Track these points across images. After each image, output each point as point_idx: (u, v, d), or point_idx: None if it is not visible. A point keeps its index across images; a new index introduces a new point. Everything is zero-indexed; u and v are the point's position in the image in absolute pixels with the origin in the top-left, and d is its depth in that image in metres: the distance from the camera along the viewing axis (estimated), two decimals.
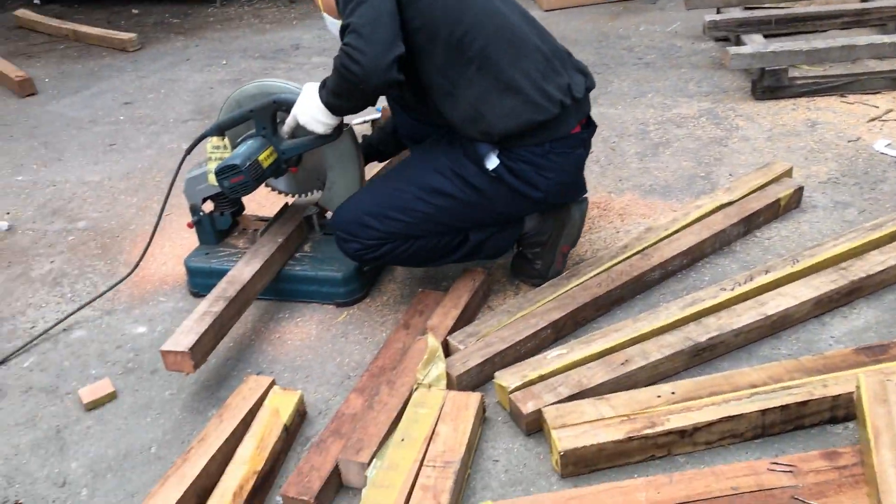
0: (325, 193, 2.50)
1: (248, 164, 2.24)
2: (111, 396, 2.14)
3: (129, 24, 5.60)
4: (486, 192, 2.09)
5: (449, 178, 2.09)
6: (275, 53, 4.68)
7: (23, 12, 5.75)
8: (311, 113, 2.10)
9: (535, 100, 2.00)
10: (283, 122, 2.32)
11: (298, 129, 2.26)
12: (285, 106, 2.23)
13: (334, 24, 2.22)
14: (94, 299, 2.49)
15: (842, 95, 3.34)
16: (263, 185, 2.56)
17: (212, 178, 2.37)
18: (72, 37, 5.31)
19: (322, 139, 2.24)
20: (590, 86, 2.14)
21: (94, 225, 3.01)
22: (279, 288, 2.42)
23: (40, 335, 2.39)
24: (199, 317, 2.09)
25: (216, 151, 2.35)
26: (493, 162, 2.05)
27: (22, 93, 4.37)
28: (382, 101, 3.59)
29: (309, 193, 2.60)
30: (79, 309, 2.46)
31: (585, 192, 2.25)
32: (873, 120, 3.13)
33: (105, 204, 3.16)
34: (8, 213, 3.15)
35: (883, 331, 2.08)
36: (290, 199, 2.69)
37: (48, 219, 3.08)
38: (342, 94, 1.99)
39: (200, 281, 2.50)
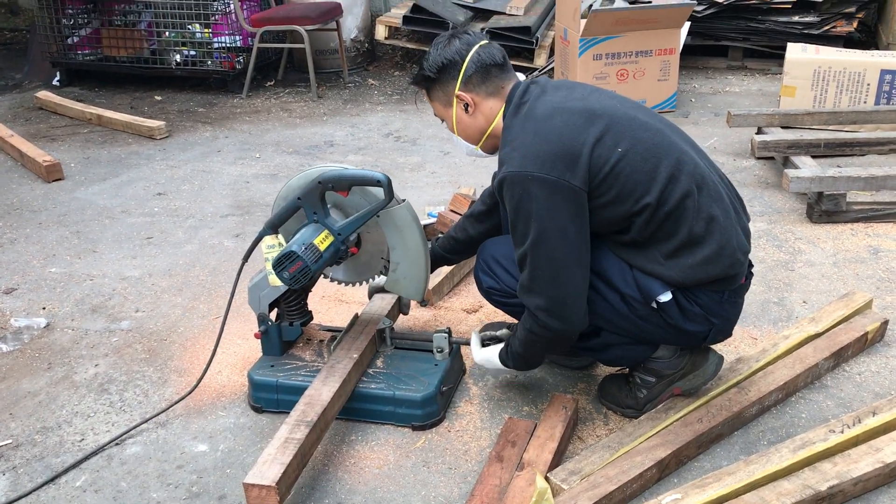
0: (390, 276, 2.37)
1: (303, 248, 2.17)
2: None
3: (152, 110, 5.55)
4: (640, 313, 2.00)
5: (609, 286, 2.00)
6: (308, 149, 4.63)
7: (44, 94, 5.68)
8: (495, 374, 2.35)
9: (731, 250, 1.94)
10: (332, 204, 2.27)
11: (348, 205, 2.27)
12: (331, 182, 2.18)
13: (471, 149, 2.20)
14: (156, 415, 2.34)
15: None
16: (328, 279, 2.48)
17: (272, 279, 2.27)
18: (95, 121, 5.24)
19: (375, 209, 2.22)
20: (749, 220, 2.09)
21: (138, 325, 2.86)
22: (350, 407, 2.28)
23: (95, 452, 2.21)
24: (281, 444, 1.94)
25: (271, 251, 2.25)
26: (665, 297, 1.96)
27: (49, 178, 4.26)
28: (438, 208, 3.54)
29: (372, 279, 2.48)
30: (140, 424, 2.30)
31: (730, 336, 2.15)
32: None
33: (148, 303, 3.02)
34: (44, 309, 3.00)
35: None
36: (359, 311, 2.57)
37: (88, 317, 2.93)
38: (536, 352, 2.11)
39: (265, 396, 2.35)
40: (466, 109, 2.10)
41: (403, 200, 2.27)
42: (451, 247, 2.57)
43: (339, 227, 2.25)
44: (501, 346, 2.20)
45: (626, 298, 2.00)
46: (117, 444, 2.26)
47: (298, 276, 2.19)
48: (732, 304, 2.04)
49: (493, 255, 2.21)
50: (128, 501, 2.05)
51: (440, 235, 2.93)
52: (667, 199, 1.90)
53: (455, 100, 2.09)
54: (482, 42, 2.08)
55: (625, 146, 1.90)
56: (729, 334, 2.12)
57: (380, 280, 2.50)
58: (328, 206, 2.26)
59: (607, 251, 2.03)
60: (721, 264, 1.93)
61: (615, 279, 2.00)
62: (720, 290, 1.99)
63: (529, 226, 1.89)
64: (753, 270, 2.96)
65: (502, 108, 2.07)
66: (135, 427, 2.30)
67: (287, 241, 2.26)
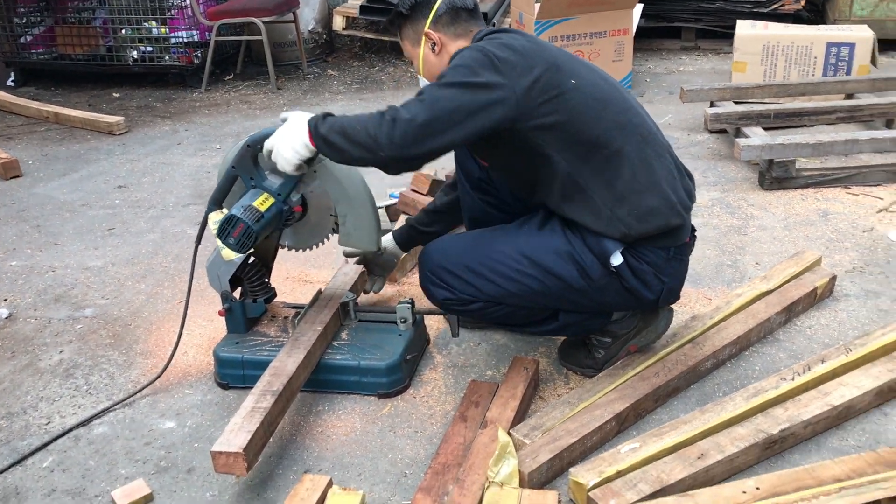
0: (341, 230, 2.36)
1: (243, 210, 2.18)
2: (147, 499, 1.98)
3: (111, 107, 5.51)
4: (599, 283, 2.03)
5: (564, 261, 2.03)
6: None
7: None
8: (290, 143, 1.99)
9: (672, 202, 1.98)
10: (270, 170, 2.25)
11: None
12: (259, 144, 2.16)
13: None
14: (125, 399, 2.35)
15: (845, 187, 3.43)
16: (284, 248, 2.49)
17: (225, 252, 2.28)
18: (53, 119, 5.19)
19: (308, 163, 2.12)
20: (695, 188, 2.14)
21: (102, 312, 2.86)
22: (316, 378, 2.31)
23: (62, 434, 2.22)
24: (247, 413, 1.96)
25: (217, 225, 2.25)
26: (617, 259, 1.99)
27: (6, 175, 4.22)
28: (400, 188, 3.57)
29: (326, 240, 2.47)
30: (110, 408, 2.31)
31: (679, 298, 2.20)
32: (881, 211, 3.21)
33: (111, 290, 3.02)
34: (5, 300, 2.98)
35: None
36: (322, 287, 2.60)
37: (51, 306, 2.92)
38: (351, 137, 1.87)
39: (231, 371, 2.37)
40: (434, 49, 2.13)
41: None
42: (425, 219, 2.60)
43: (277, 188, 2.25)
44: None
45: (585, 270, 2.03)
46: (84, 425, 2.27)
47: (243, 238, 2.18)
48: (679, 261, 2.09)
49: (439, 264, 2.14)
50: (96, 479, 2.07)
51: (405, 216, 2.96)
52: (610, 140, 1.94)
53: (423, 38, 2.14)
54: None
55: (579, 82, 1.95)
56: (677, 295, 2.17)
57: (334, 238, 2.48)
58: (265, 171, 2.26)
59: (551, 230, 2.06)
60: (665, 214, 1.98)
61: (575, 252, 2.03)
62: (665, 247, 2.03)
63: (455, 75, 1.88)
64: (708, 235, 3.07)
65: None
66: (104, 411, 2.31)
67: None
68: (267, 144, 2.08)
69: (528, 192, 2.14)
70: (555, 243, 2.05)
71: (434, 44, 2.13)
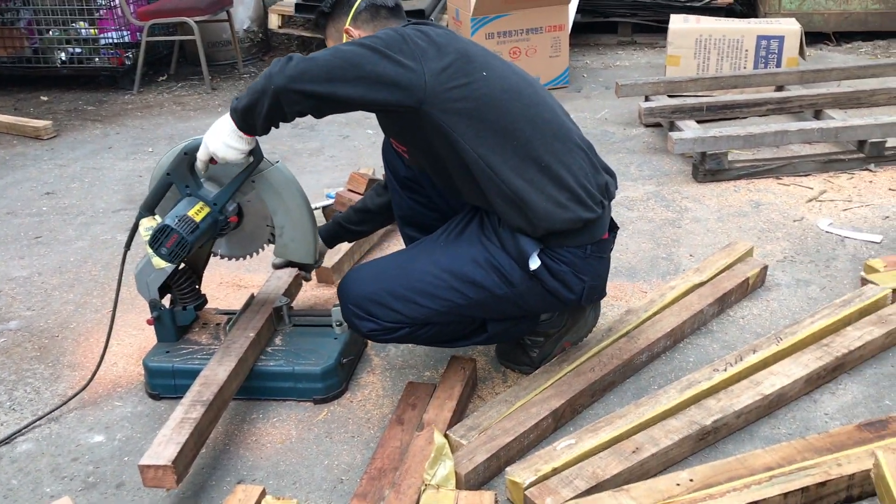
0: (277, 242, 2.33)
1: (177, 220, 2.13)
2: None
3: (39, 111, 5.34)
4: (520, 288, 2.01)
5: (485, 270, 2.00)
6: None
7: None
8: (220, 137, 1.97)
9: (581, 197, 1.96)
10: (206, 178, 2.22)
11: (220, 174, 2.19)
12: (196, 151, 2.11)
13: None
14: (49, 412, 2.26)
15: (777, 178, 3.49)
16: (217, 256, 2.45)
17: (155, 261, 2.22)
18: None
19: (245, 171, 2.14)
20: (617, 188, 2.13)
21: (27, 324, 2.76)
22: (250, 386, 2.26)
23: None
24: (176, 425, 1.91)
25: (149, 233, 2.19)
26: (535, 262, 1.97)
27: None
28: (336, 189, 3.53)
29: (261, 250, 2.43)
30: (36, 421, 2.23)
31: (605, 294, 2.20)
32: (811, 200, 3.27)
33: (37, 301, 2.91)
34: None
35: (872, 405, 2.11)
36: (255, 291, 2.55)
37: None
38: (253, 88, 1.85)
39: (161, 382, 2.31)
40: None
41: (277, 161, 2.25)
42: (355, 218, 2.58)
43: (213, 197, 2.21)
44: None
45: (505, 276, 2.00)
46: (7, 443, 2.18)
47: (176, 249, 2.14)
48: (598, 258, 2.07)
49: (360, 294, 2.07)
50: (20, 499, 1.99)
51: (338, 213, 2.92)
52: (518, 132, 1.93)
53: (344, 35, 2.14)
54: None
55: (490, 74, 1.94)
56: (602, 293, 2.16)
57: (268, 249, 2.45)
58: (201, 179, 2.22)
59: (477, 238, 2.04)
60: (573, 209, 1.95)
61: (493, 258, 2.01)
62: (582, 245, 2.01)
63: (355, 41, 1.88)
64: (644, 229, 3.10)
65: None
66: (28, 426, 2.23)
67: None
68: (207, 147, 2.01)
69: (445, 183, 2.13)
70: (472, 252, 2.03)
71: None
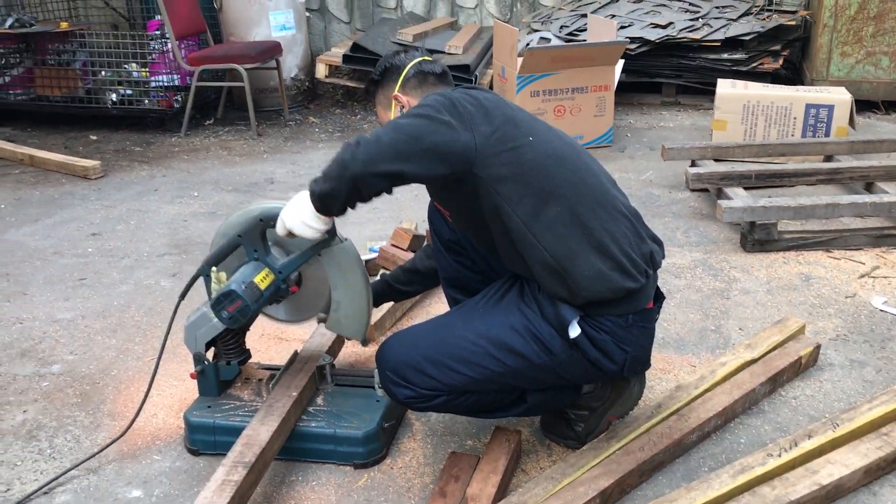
0: (331, 316, 2.33)
1: (244, 287, 2.14)
2: None
3: (87, 150, 5.44)
4: (560, 357, 1.98)
5: (524, 338, 1.97)
6: (248, 187, 4.58)
7: None
8: (299, 215, 1.97)
9: (624, 266, 1.93)
10: (273, 241, 2.24)
11: (289, 243, 2.20)
12: (272, 220, 2.12)
13: None
14: (86, 460, 2.25)
15: (827, 251, 3.43)
16: (267, 318, 2.45)
17: (212, 316, 2.23)
18: (28, 162, 5.11)
19: (316, 247, 2.15)
20: (664, 256, 2.10)
21: (70, 369, 2.77)
22: (290, 446, 2.23)
23: (21, 502, 2.11)
24: (217, 486, 1.88)
25: (215, 295, 2.20)
26: (575, 330, 1.94)
27: None
28: (379, 243, 3.52)
29: (310, 319, 2.43)
30: (69, 470, 2.21)
31: (650, 366, 2.15)
32: (863, 276, 3.20)
33: (80, 345, 2.92)
34: None
35: None
36: (299, 348, 2.53)
37: (17, 361, 2.82)
38: (328, 174, 1.87)
39: (201, 437, 2.29)
40: (402, 112, 2.13)
41: (346, 239, 2.25)
42: (403, 278, 2.59)
43: (280, 266, 2.22)
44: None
45: (545, 344, 1.97)
46: (45, 492, 2.17)
47: (237, 315, 2.15)
48: (640, 329, 2.02)
49: (398, 360, 2.05)
50: None
51: (384, 271, 2.92)
52: (562, 197, 1.91)
53: (393, 101, 2.18)
54: (425, 56, 2.23)
55: (536, 139, 1.95)
56: (646, 364, 2.11)
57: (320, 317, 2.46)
58: (269, 243, 2.24)
59: (515, 305, 2.01)
60: (614, 280, 1.91)
61: (532, 325, 1.98)
62: (623, 315, 1.98)
63: (410, 112, 1.89)
64: (692, 298, 3.04)
65: None
66: (64, 473, 2.21)
67: (227, 278, 2.22)
68: (284, 222, 2.01)
69: (488, 247, 2.11)
70: (511, 319, 1.99)
71: (402, 107, 2.16)
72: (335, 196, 1.87)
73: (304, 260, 2.23)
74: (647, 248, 2.03)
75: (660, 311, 2.13)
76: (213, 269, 2.23)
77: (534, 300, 2.00)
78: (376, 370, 2.30)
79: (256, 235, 2.20)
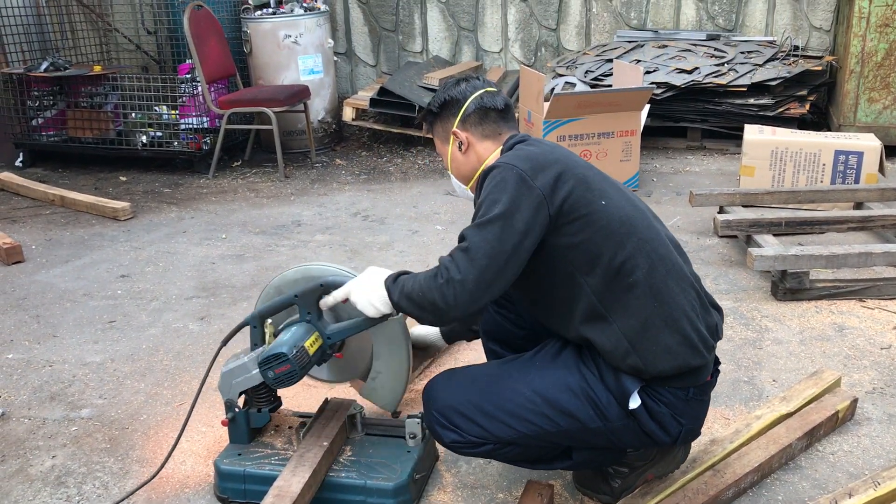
0: (367, 384, 2.36)
1: (294, 351, 2.14)
2: None
3: (117, 191, 5.51)
4: (615, 424, 1.95)
5: (580, 400, 1.94)
6: (276, 229, 4.61)
7: (6, 175, 5.63)
8: (368, 297, 1.99)
9: (693, 342, 1.90)
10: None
11: (340, 309, 2.19)
12: (332, 288, 2.14)
13: (462, 189, 2.19)
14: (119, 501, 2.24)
15: (860, 300, 3.39)
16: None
17: (253, 368, 2.24)
18: (59, 203, 5.19)
19: (370, 322, 2.13)
20: (723, 321, 2.07)
21: (99, 413, 2.77)
22: (320, 497, 2.20)
23: None
24: None
25: (264, 355, 2.21)
26: (636, 401, 1.90)
27: (8, 260, 4.18)
28: None
29: (345, 382, 2.46)
30: None
31: (699, 435, 2.11)
32: None
33: (109, 389, 2.93)
34: (0, 397, 2.89)
35: None
36: (329, 395, 2.52)
37: (46, 405, 2.83)
38: (420, 306, 1.89)
39: (231, 486, 2.27)
40: (461, 148, 2.11)
41: (399, 314, 2.22)
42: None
43: (330, 332, 2.22)
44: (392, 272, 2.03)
45: (602, 410, 1.94)
46: None
47: (284, 378, 2.16)
48: (699, 402, 1.99)
49: (447, 403, 2.03)
50: None
51: None
52: (634, 268, 1.88)
53: (451, 137, 2.13)
54: (488, 88, 2.14)
55: (608, 203, 1.90)
56: (697, 435, 2.08)
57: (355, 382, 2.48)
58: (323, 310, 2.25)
59: (575, 366, 1.98)
60: (684, 354, 1.89)
61: (591, 389, 1.95)
62: (685, 388, 1.95)
63: (492, 209, 1.84)
64: (724, 348, 3.01)
65: (497, 150, 2.08)
66: None
67: (274, 330, 2.26)
68: (350, 294, 2.05)
69: (545, 313, 2.07)
70: (569, 379, 1.96)
71: (461, 143, 2.11)
72: (418, 314, 1.92)
73: (356, 332, 2.22)
74: (712, 319, 1.99)
75: (716, 382, 2.09)
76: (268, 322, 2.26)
77: (593, 361, 1.96)
78: (407, 420, 2.29)
79: (313, 300, 2.20)
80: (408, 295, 1.91)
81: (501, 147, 2.09)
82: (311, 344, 2.19)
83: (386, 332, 2.28)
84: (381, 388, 2.34)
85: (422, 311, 1.90)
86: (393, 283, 1.96)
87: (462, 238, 1.87)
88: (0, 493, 2.36)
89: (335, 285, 2.14)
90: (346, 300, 2.05)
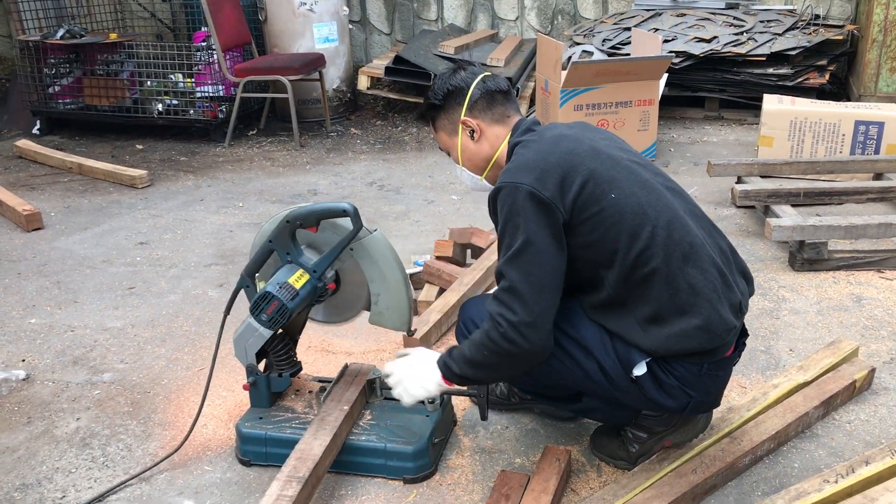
0: (372, 309, 2.34)
1: (278, 288, 2.18)
2: None
3: (133, 159, 5.53)
4: (618, 385, 1.97)
5: (585, 355, 1.96)
6: (292, 198, 4.63)
7: (24, 142, 5.66)
8: (419, 381, 2.03)
9: (710, 325, 1.87)
10: (306, 244, 2.29)
11: (321, 242, 2.25)
12: (299, 220, 2.18)
13: (475, 181, 2.18)
14: (141, 472, 2.28)
15: (879, 271, 3.37)
16: (314, 322, 2.48)
17: (257, 325, 2.26)
18: (76, 170, 5.21)
19: (345, 240, 2.20)
20: (752, 292, 2.05)
21: (121, 378, 2.81)
22: (340, 460, 2.24)
23: None
24: (272, 502, 1.90)
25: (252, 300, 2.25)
26: (640, 369, 1.92)
27: (28, 227, 4.21)
28: (424, 257, 3.53)
29: (356, 315, 2.44)
30: (126, 481, 2.24)
31: (718, 405, 2.11)
32: None
33: (130, 354, 2.97)
34: (23, 361, 2.94)
35: None
36: (349, 360, 2.54)
37: (69, 369, 2.87)
38: (491, 365, 1.89)
39: (253, 448, 2.31)
40: (472, 136, 2.10)
41: (375, 230, 2.27)
42: None
43: (313, 265, 2.24)
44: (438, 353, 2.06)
45: (605, 369, 1.96)
46: (100, 501, 2.20)
47: (276, 316, 2.19)
48: (713, 377, 1.98)
49: (472, 317, 2.14)
50: None
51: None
52: (649, 258, 1.86)
53: (461, 126, 2.10)
54: (486, 73, 2.12)
55: (618, 195, 1.88)
56: (714, 405, 2.09)
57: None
58: (301, 245, 2.27)
59: (586, 319, 1.99)
60: (699, 339, 1.88)
61: (594, 347, 1.96)
62: (699, 363, 1.94)
63: (515, 238, 1.84)
64: None
65: (508, 136, 2.07)
66: (119, 485, 2.24)
67: None
68: (389, 375, 2.11)
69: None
70: (583, 331, 1.98)
71: (472, 131, 2.09)
72: (489, 378, 1.99)
73: (335, 255, 2.24)
74: (735, 297, 1.95)
75: (740, 356, 2.08)
76: (256, 278, 2.27)
77: (608, 333, 1.97)
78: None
79: (287, 238, 2.23)
80: (470, 360, 1.92)
81: (510, 134, 2.08)
82: (297, 279, 2.21)
83: (371, 254, 2.25)
84: (385, 309, 2.31)
85: (495, 370, 1.92)
86: (449, 356, 1.97)
87: (499, 277, 1.88)
88: (28, 453, 2.41)
89: (300, 216, 2.17)
90: (311, 227, 2.13)
